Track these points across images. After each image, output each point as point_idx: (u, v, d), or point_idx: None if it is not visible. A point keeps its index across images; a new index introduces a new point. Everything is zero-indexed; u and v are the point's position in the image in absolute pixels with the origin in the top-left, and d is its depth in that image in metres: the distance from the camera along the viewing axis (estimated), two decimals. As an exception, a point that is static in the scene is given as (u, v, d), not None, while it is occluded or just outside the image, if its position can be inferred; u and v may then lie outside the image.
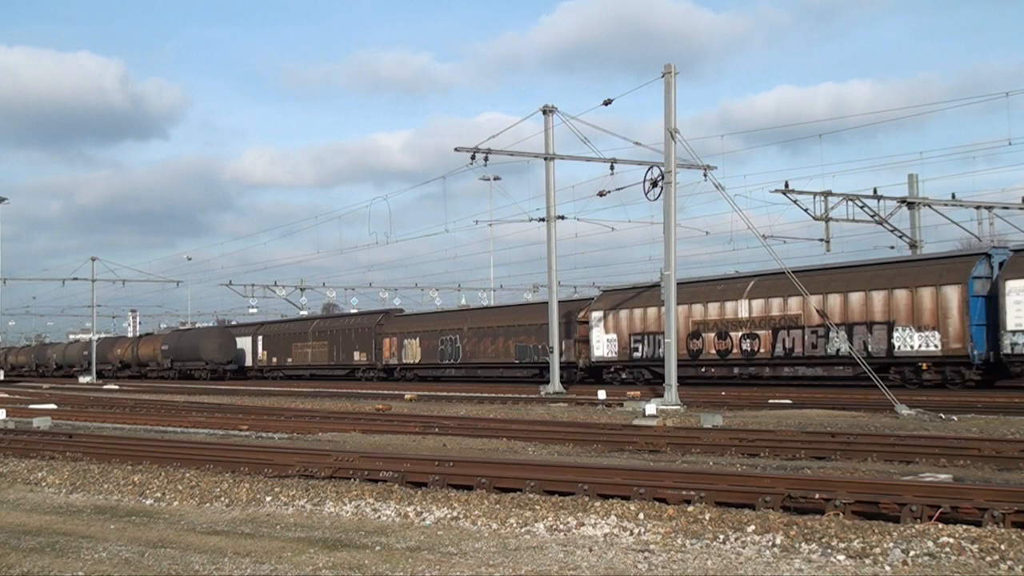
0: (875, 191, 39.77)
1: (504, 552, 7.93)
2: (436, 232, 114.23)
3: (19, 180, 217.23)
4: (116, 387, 53.69)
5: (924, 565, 7.03)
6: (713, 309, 36.55)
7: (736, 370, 36.06)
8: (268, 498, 10.71)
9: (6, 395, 41.06)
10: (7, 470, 13.95)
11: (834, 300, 31.88)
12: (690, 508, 9.03)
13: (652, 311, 38.18)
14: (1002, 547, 7.23)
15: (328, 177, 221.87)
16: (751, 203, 51.24)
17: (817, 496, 9.13)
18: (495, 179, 62.00)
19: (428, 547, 8.19)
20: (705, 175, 29.30)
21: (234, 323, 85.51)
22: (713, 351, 36.35)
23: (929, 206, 40.74)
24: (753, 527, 8.15)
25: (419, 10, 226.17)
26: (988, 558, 7.08)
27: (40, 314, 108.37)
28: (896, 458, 13.26)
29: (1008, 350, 27.78)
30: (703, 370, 37.15)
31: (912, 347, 30.14)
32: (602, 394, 28.26)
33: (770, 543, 7.77)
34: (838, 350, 31.56)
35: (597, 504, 9.41)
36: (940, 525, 8.05)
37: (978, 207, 40.79)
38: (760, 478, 10.48)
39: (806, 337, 33.11)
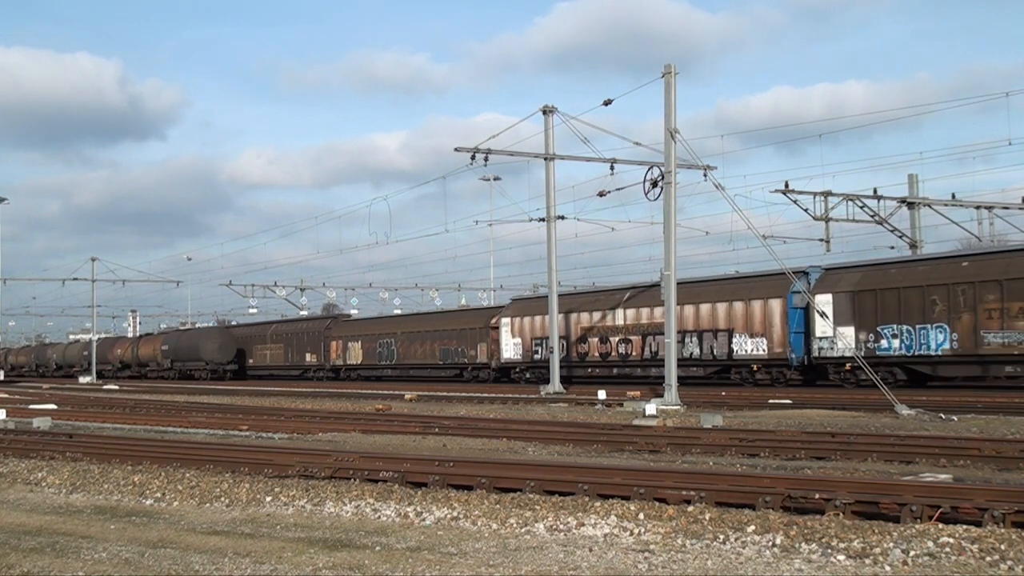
0: (875, 191, 39.80)
1: (504, 552, 7.93)
2: (436, 232, 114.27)
3: (18, 180, 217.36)
4: (116, 387, 53.70)
5: (924, 565, 7.03)
6: (596, 317, 41.15)
7: (615, 370, 40.68)
8: (268, 498, 10.71)
9: (6, 395, 41.06)
10: (7, 470, 13.95)
11: (689, 310, 36.64)
12: (690, 508, 9.03)
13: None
14: (1002, 547, 7.23)
15: (326, 177, 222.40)
16: (750, 203, 51.31)
17: (817, 496, 9.13)
18: (495, 179, 62.04)
19: (428, 547, 8.19)
20: (705, 175, 29.32)
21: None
22: (596, 354, 40.94)
23: (929, 206, 40.76)
24: (753, 527, 8.15)
25: (416, 11, 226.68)
26: (988, 558, 7.08)
27: (40, 314, 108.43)
28: (896, 458, 13.26)
29: (816, 353, 32.90)
30: (589, 371, 41.47)
31: (747, 351, 35.12)
32: (602, 394, 28.26)
33: (770, 543, 7.77)
34: (691, 353, 36.52)
35: (597, 504, 9.41)
36: (940, 525, 8.04)
37: (978, 207, 40.81)
38: (760, 478, 10.48)
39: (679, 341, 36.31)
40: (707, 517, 8.61)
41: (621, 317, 40.17)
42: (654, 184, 28.58)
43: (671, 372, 26.02)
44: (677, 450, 15.01)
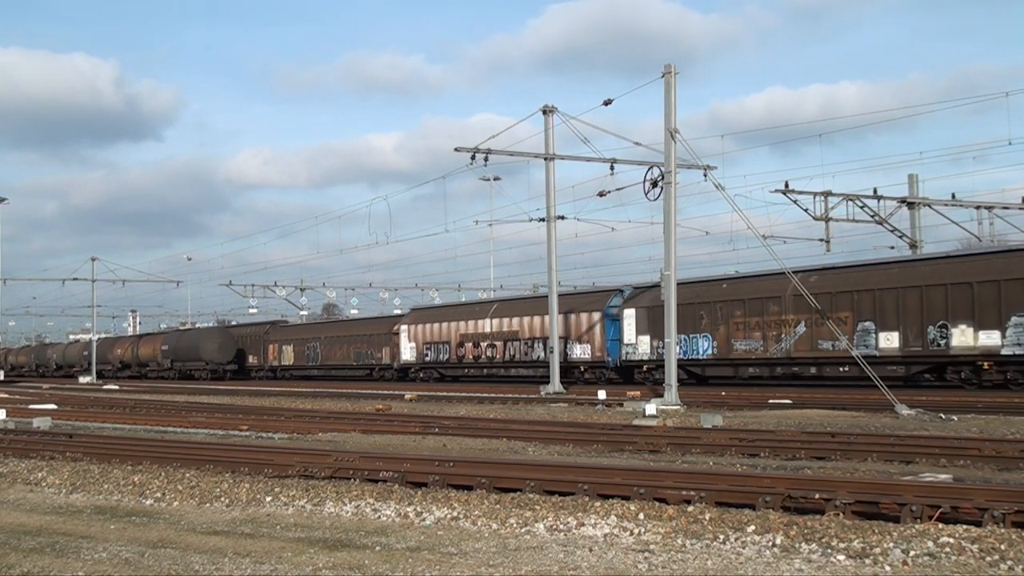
0: (875, 191, 39.79)
1: (504, 552, 7.93)
2: (436, 232, 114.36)
3: (15, 181, 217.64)
4: (116, 387, 53.70)
5: (924, 565, 7.03)
6: (471, 326, 48.40)
7: (485, 370, 48.53)
8: (268, 498, 10.71)
9: (6, 395, 41.07)
10: (7, 470, 13.95)
11: (537, 320, 44.19)
12: (690, 508, 9.03)
13: (437, 326, 50.34)
14: (1002, 547, 7.23)
15: (322, 177, 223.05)
16: (748, 203, 51.27)
17: (817, 496, 9.13)
18: (495, 179, 62.08)
19: (428, 547, 8.19)
20: (705, 175, 29.32)
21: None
22: (471, 356, 48.24)
23: (929, 206, 40.75)
24: (753, 527, 8.15)
25: (410, 13, 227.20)
26: (988, 558, 7.08)
27: (40, 314, 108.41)
28: (896, 458, 13.26)
29: (624, 357, 40.10)
30: (465, 371, 49.46)
31: (577, 355, 42.40)
32: (602, 394, 28.27)
33: (770, 543, 7.77)
34: (538, 356, 43.75)
35: (597, 504, 9.41)
36: (940, 525, 8.04)
37: (978, 207, 40.81)
38: (760, 478, 10.48)
39: (522, 347, 45.57)
40: (707, 517, 8.61)
41: (488, 326, 47.41)
42: (654, 184, 28.58)
43: (671, 372, 26.02)
44: (677, 450, 15.01)
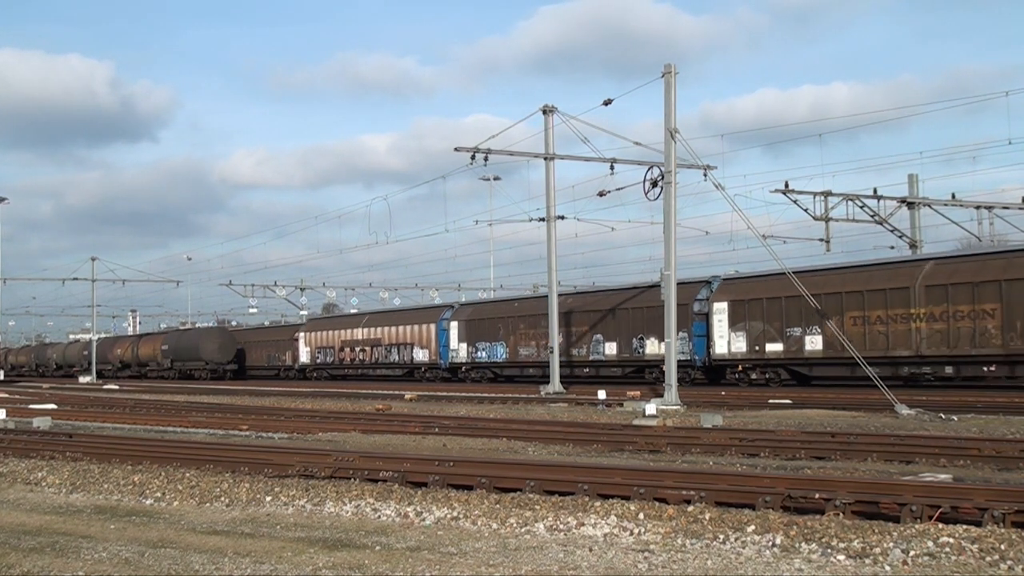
0: (875, 191, 39.79)
1: (504, 552, 7.93)
2: (436, 232, 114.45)
3: (11, 181, 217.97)
4: (116, 387, 53.70)
5: (924, 565, 7.03)
6: (349, 333, 57.70)
7: (360, 371, 56.93)
8: (268, 498, 10.71)
9: (6, 395, 41.07)
10: (7, 470, 13.95)
11: (393, 330, 53.87)
12: (690, 508, 9.03)
13: (325, 333, 60.07)
14: (1002, 547, 7.23)
15: (317, 178, 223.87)
16: (747, 203, 51.43)
17: (817, 496, 9.13)
18: (495, 179, 62.15)
19: (428, 547, 8.19)
20: (705, 175, 29.33)
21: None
22: (348, 359, 57.39)
23: (929, 206, 40.75)
24: (753, 527, 8.15)
25: (401, 15, 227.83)
26: (988, 558, 7.08)
27: (40, 314, 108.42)
28: (896, 458, 13.26)
29: (451, 360, 49.28)
30: (345, 371, 57.95)
31: (419, 358, 51.83)
32: (602, 394, 28.27)
33: (770, 543, 7.77)
34: (394, 359, 53.55)
35: (597, 504, 9.41)
36: (940, 525, 8.04)
37: (978, 207, 40.80)
38: (760, 478, 10.48)
39: (383, 351, 54.59)
40: (707, 517, 8.61)
41: (360, 334, 56.74)
42: (654, 184, 28.58)
43: (671, 372, 26.03)
44: (677, 450, 15.01)
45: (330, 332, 59.48)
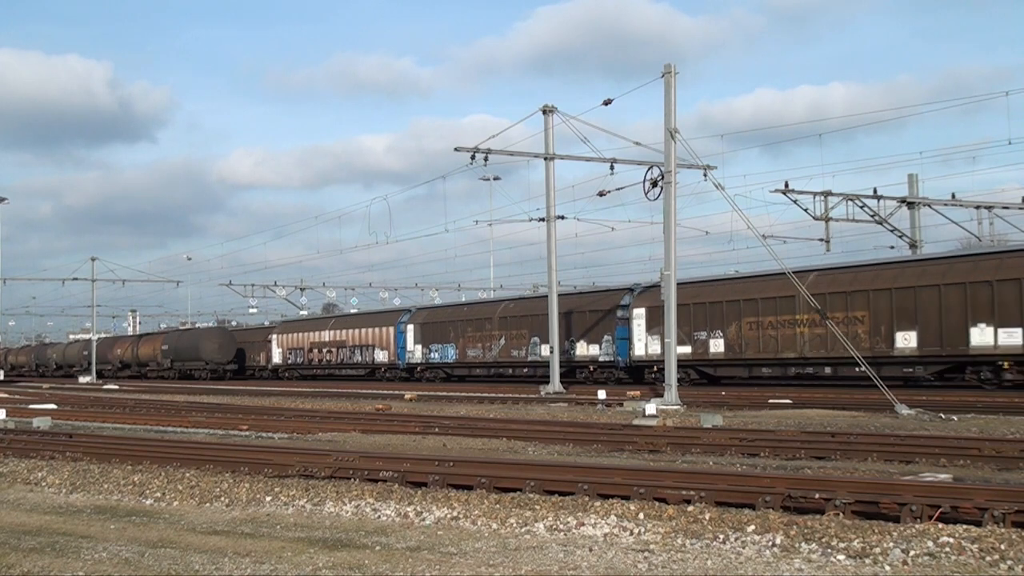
0: (875, 191, 39.79)
1: (504, 552, 7.93)
2: (436, 232, 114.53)
3: (10, 181, 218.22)
4: (116, 387, 53.70)
5: (924, 565, 7.03)
6: (317, 335, 61.46)
7: (328, 370, 60.42)
8: (268, 498, 10.71)
9: (6, 395, 41.06)
10: (7, 470, 13.95)
11: (356, 332, 57.51)
12: (690, 508, 9.03)
13: (296, 335, 63.69)
14: (1002, 547, 7.23)
15: (316, 178, 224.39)
16: (746, 203, 51.50)
17: (817, 496, 9.13)
18: (495, 179, 62.11)
19: (428, 547, 8.19)
20: (705, 175, 29.33)
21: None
22: (316, 360, 60.98)
23: (929, 206, 40.75)
24: (753, 527, 8.15)
25: (399, 15, 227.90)
26: (988, 558, 7.08)
27: (40, 314, 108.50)
28: (896, 458, 13.26)
29: (408, 360, 52.93)
30: (315, 371, 61.46)
31: (379, 359, 55.08)
32: (602, 394, 28.27)
33: (770, 543, 7.77)
34: (357, 360, 57.02)
35: (597, 504, 9.41)
36: (940, 525, 8.04)
37: (978, 207, 40.80)
38: (760, 478, 10.48)
39: (348, 352, 57.96)
40: (707, 517, 8.61)
41: (327, 336, 60.17)
42: (654, 184, 28.58)
43: (671, 372, 26.02)
44: (677, 450, 15.01)
45: (300, 334, 63.24)
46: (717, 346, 35.88)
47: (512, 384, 44.03)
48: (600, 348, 41.37)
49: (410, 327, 52.71)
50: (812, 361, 33.10)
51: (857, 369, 30.78)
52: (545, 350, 42.14)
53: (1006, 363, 27.97)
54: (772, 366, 34.71)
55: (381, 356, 54.74)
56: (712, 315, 36.02)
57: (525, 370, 45.53)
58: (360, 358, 56.55)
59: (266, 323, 76.48)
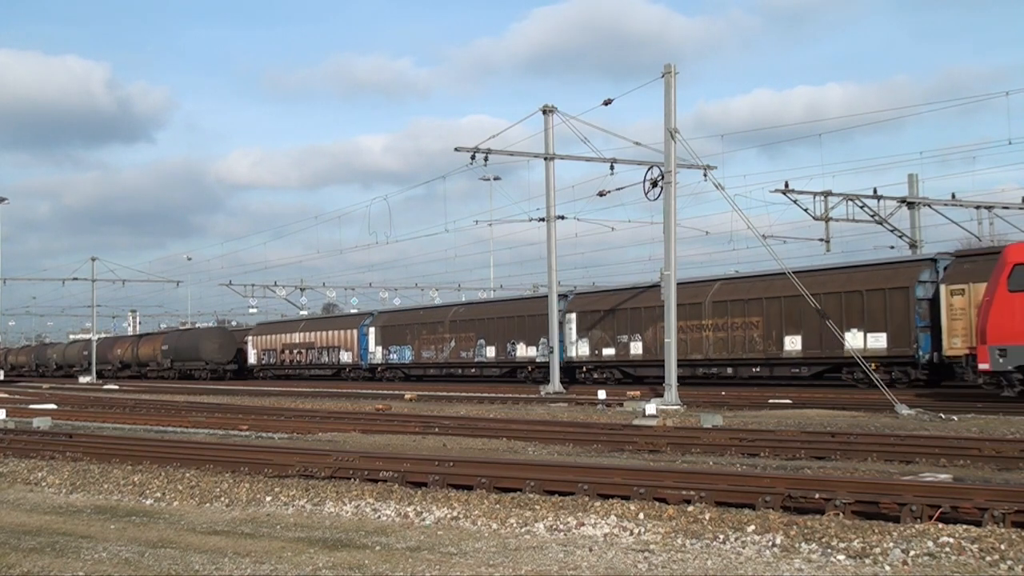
0: (875, 191, 39.77)
1: (504, 552, 7.93)
2: (436, 232, 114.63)
3: (8, 182, 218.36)
4: (116, 387, 53.69)
5: (924, 565, 7.03)
6: (288, 337, 64.28)
7: (298, 371, 62.99)
8: (268, 498, 10.71)
9: (6, 395, 41.06)
10: (7, 470, 13.95)
11: (323, 334, 60.56)
12: (690, 508, 9.03)
13: (270, 337, 66.46)
14: (1002, 547, 7.23)
15: (314, 178, 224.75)
16: (745, 203, 51.54)
17: (817, 496, 9.13)
18: (495, 179, 62.11)
19: (428, 547, 8.19)
20: (705, 175, 29.34)
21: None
22: (288, 360, 64.00)
23: (929, 206, 40.72)
24: (753, 527, 8.15)
25: (396, 16, 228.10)
26: (988, 558, 7.08)
27: (40, 314, 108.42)
28: (896, 458, 13.26)
29: (370, 361, 56.05)
30: (287, 371, 63.99)
31: (344, 360, 57.88)
32: (602, 394, 28.28)
33: (770, 543, 7.77)
34: (325, 360, 59.90)
35: (597, 504, 9.41)
36: (940, 525, 8.04)
37: (978, 207, 40.78)
38: (760, 478, 10.48)
39: (316, 353, 60.89)
40: (707, 517, 8.61)
41: (298, 338, 63.09)
42: (654, 184, 28.58)
43: (671, 372, 26.02)
44: (677, 450, 15.01)
45: (274, 336, 66.29)
46: (636, 348, 38.92)
47: (500, 385, 44.08)
48: (537, 350, 43.99)
49: (371, 330, 55.79)
50: (716, 362, 35.87)
51: (754, 369, 34.52)
52: (491, 351, 47.05)
53: (874, 364, 29.74)
54: (683, 366, 36.33)
55: (346, 357, 57.84)
56: (633, 320, 39.02)
57: (472, 370, 48.71)
58: (327, 359, 59.72)
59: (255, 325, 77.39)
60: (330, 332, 60.21)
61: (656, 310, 35.98)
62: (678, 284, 37.18)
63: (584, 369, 41.91)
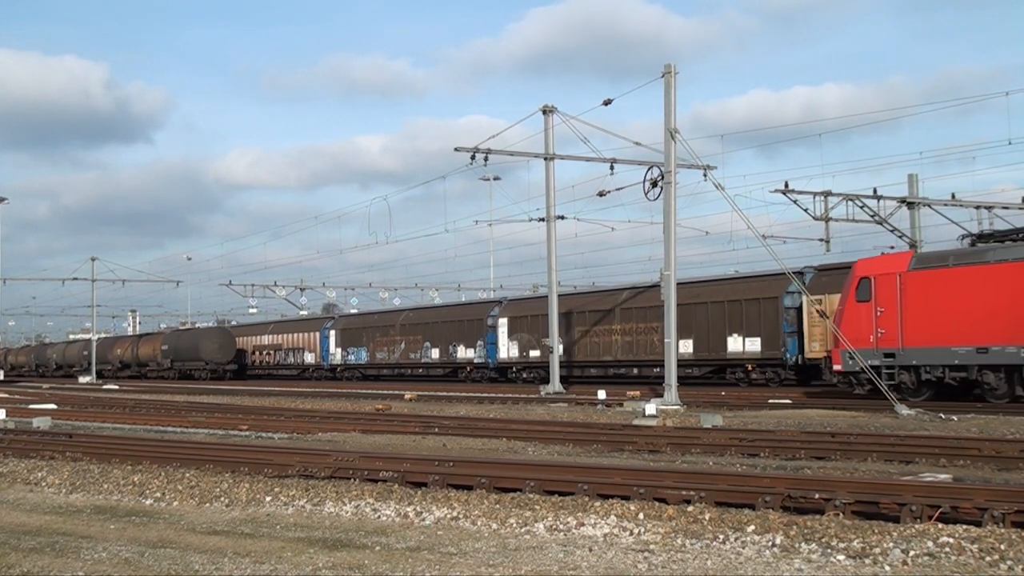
0: (875, 191, 39.71)
1: (504, 552, 7.93)
2: (435, 232, 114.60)
3: (7, 182, 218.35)
4: (116, 387, 53.67)
5: (924, 565, 7.03)
6: (259, 339, 68.53)
7: (267, 370, 66.93)
8: (268, 498, 10.71)
9: (6, 395, 41.06)
10: (7, 470, 13.95)
11: (293, 336, 64.94)
12: (690, 508, 9.03)
13: (244, 339, 69.43)
14: (1002, 547, 7.23)
15: (312, 178, 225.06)
16: (745, 203, 51.57)
17: (817, 496, 9.13)
18: (495, 179, 62.14)
19: (428, 547, 8.19)
20: (705, 175, 29.28)
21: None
22: (259, 361, 67.99)
23: (929, 206, 40.68)
24: (753, 527, 8.15)
25: (393, 17, 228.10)
26: (988, 558, 7.08)
27: (40, 314, 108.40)
28: (896, 458, 13.26)
29: (331, 362, 59.64)
30: (256, 370, 67.90)
31: (308, 360, 62.04)
32: (602, 394, 28.28)
33: (770, 543, 7.77)
34: (291, 361, 64.15)
35: (597, 504, 9.41)
36: (940, 525, 8.05)
37: (978, 207, 40.73)
38: (760, 478, 10.48)
39: (283, 354, 65.20)
40: (707, 517, 8.61)
41: (268, 339, 67.12)
42: (654, 184, 28.57)
43: (671, 372, 26.02)
44: (677, 450, 15.01)
45: (246, 338, 70.20)
46: (559, 350, 41.01)
47: (500, 385, 44.19)
48: (475, 352, 47.96)
49: (332, 332, 59.94)
50: (624, 363, 39.61)
51: (655, 370, 36.06)
52: (435, 353, 50.78)
53: (750, 365, 34.20)
54: (596, 367, 41.34)
55: (309, 358, 62.03)
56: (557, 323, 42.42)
57: (420, 370, 52.29)
58: (293, 360, 63.94)
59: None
60: (295, 335, 64.36)
61: (574, 316, 41.61)
62: (592, 293, 42.84)
63: (514, 369, 45.65)
